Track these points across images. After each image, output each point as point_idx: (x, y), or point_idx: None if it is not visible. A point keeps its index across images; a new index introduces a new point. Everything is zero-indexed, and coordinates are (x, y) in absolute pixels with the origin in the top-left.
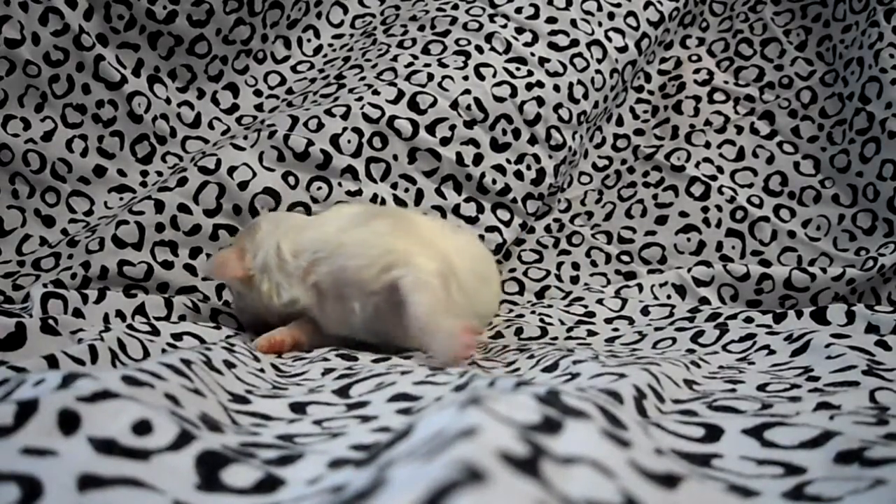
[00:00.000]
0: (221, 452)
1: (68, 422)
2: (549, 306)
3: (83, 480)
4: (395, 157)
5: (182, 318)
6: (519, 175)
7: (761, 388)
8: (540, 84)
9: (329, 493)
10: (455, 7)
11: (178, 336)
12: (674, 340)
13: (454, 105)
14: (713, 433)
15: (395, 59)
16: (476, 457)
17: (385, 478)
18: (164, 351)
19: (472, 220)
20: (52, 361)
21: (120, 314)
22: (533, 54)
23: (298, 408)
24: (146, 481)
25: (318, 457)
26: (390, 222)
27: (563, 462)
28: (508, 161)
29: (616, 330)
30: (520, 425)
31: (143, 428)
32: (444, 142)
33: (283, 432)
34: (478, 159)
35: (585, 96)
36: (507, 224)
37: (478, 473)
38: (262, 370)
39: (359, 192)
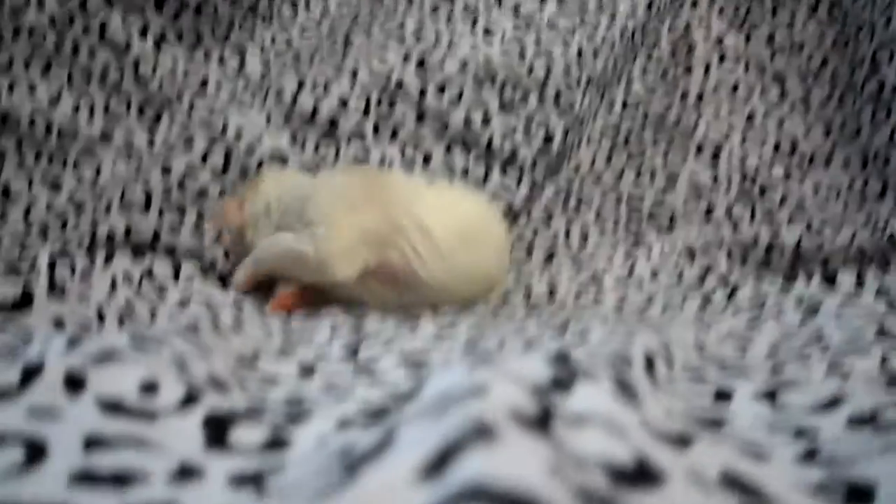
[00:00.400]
0: (228, 412)
1: (74, 382)
2: (558, 271)
3: (89, 440)
4: (403, 120)
5: (189, 280)
6: (527, 138)
7: (771, 352)
8: (549, 46)
9: (337, 453)
10: None
11: (185, 299)
12: (683, 305)
13: (462, 67)
14: (724, 397)
15: (402, 20)
16: (486, 415)
17: (393, 437)
18: (171, 315)
19: (480, 183)
20: (59, 324)
21: (128, 278)
22: (541, 16)
23: (307, 369)
24: (153, 440)
25: (326, 417)
26: (360, 180)
27: (575, 421)
28: (517, 123)
29: (624, 294)
30: (530, 384)
31: (149, 388)
32: (452, 104)
33: (291, 393)
34: (486, 122)
35: (595, 58)
36: (516, 187)
37: (488, 431)
38: (269, 333)
39: (366, 155)
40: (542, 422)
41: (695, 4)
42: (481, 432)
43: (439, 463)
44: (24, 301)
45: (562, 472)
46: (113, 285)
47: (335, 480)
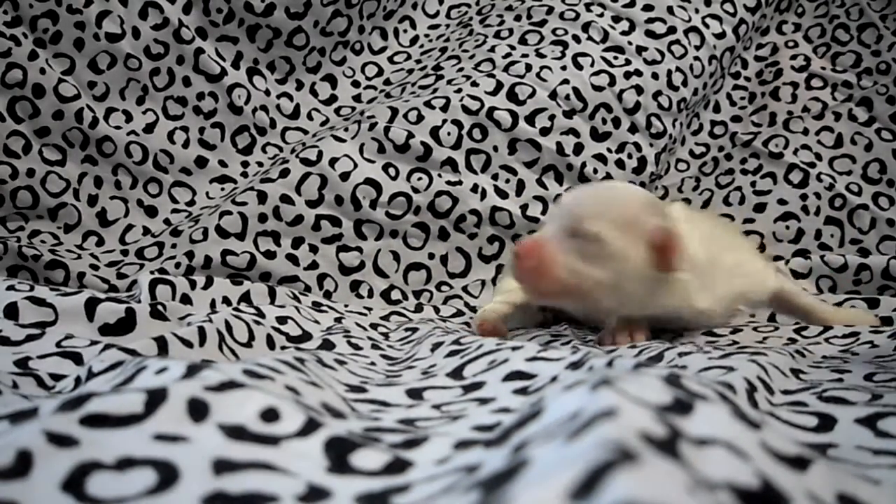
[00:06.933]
0: (348, 437)
1: (197, 409)
2: None
3: (218, 464)
4: (496, 149)
5: (284, 307)
6: (620, 164)
7: (868, 377)
8: (638, 72)
9: (462, 472)
10: None
11: (282, 319)
12: (776, 328)
13: (553, 95)
14: (827, 423)
15: (492, 49)
16: (623, 437)
17: (525, 458)
18: (269, 336)
19: None
20: (161, 343)
21: (226, 301)
22: (630, 43)
23: (415, 393)
24: (279, 465)
25: (443, 438)
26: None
27: (698, 443)
28: (609, 150)
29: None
30: (654, 406)
31: (270, 415)
32: (544, 132)
33: (404, 417)
34: (578, 149)
35: (685, 83)
36: None
37: (629, 454)
38: (372, 363)
39: (459, 184)
40: (669, 444)
41: (781, 27)
42: (624, 454)
43: (588, 485)
44: (127, 322)
45: (697, 493)
46: (212, 307)
47: (474, 500)
